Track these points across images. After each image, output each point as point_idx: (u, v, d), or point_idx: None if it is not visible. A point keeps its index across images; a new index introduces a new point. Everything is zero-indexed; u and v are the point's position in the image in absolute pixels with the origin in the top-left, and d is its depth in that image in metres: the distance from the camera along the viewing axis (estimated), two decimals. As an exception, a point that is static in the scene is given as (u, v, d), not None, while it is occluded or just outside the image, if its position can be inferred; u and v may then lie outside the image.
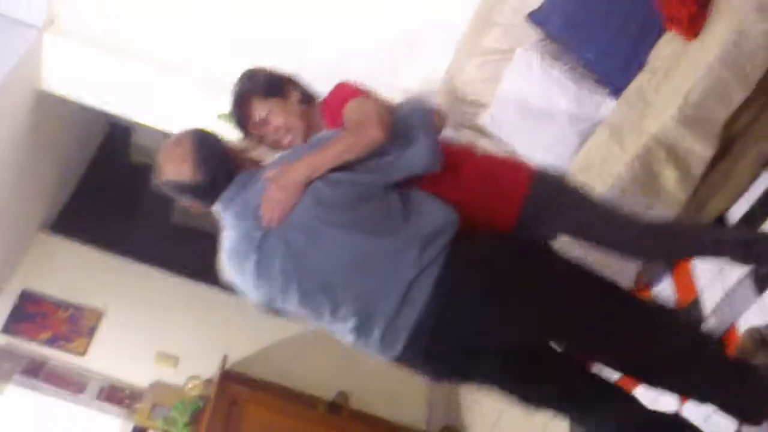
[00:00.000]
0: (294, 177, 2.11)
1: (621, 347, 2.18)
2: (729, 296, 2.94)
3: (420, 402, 5.76)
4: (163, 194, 2.33)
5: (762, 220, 2.89)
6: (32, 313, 5.44)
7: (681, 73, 3.06)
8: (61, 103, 4.95)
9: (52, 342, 5.38)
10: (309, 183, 2.12)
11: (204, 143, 2.26)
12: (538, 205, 2.28)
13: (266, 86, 2.43)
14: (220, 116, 3.87)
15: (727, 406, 2.23)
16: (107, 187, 6.57)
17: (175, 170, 2.24)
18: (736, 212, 3.05)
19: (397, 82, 4.23)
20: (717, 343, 2.53)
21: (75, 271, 5.72)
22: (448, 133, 2.79)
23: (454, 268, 2.05)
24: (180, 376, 5.32)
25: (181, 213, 6.35)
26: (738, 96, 2.89)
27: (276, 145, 2.43)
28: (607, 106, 3.50)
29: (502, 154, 2.52)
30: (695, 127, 2.94)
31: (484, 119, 3.93)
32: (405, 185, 2.18)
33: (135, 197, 6.65)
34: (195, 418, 4.89)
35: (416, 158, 2.17)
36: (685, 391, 2.34)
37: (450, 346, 2.08)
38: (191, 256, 6.46)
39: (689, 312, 3.12)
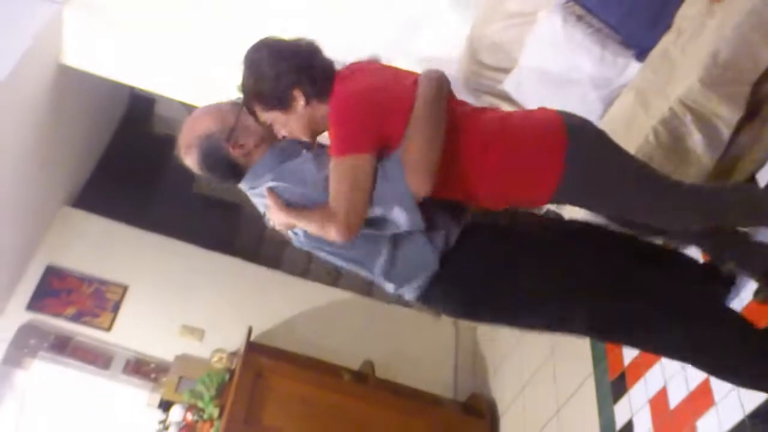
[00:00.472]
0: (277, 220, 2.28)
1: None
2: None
3: (447, 370, 5.74)
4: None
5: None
6: (57, 289, 5.48)
7: (707, 34, 2.98)
8: (83, 76, 4.94)
9: (77, 318, 5.42)
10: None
11: (209, 156, 2.39)
12: (573, 186, 2.34)
13: (269, 98, 2.32)
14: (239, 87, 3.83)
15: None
16: (130, 160, 6.59)
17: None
18: (766, 175, 3.01)
19: (416, 48, 4.19)
20: None
21: (99, 246, 5.75)
22: (469, 99, 2.75)
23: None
24: (205, 348, 5.35)
25: (203, 183, 6.34)
26: (766, 57, 2.83)
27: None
28: (632, 68, 3.44)
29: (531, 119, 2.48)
30: (722, 90, 2.87)
31: (507, 84, 3.88)
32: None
33: (158, 168, 6.66)
34: (221, 391, 4.91)
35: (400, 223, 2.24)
36: None
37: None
38: (215, 227, 6.52)
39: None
